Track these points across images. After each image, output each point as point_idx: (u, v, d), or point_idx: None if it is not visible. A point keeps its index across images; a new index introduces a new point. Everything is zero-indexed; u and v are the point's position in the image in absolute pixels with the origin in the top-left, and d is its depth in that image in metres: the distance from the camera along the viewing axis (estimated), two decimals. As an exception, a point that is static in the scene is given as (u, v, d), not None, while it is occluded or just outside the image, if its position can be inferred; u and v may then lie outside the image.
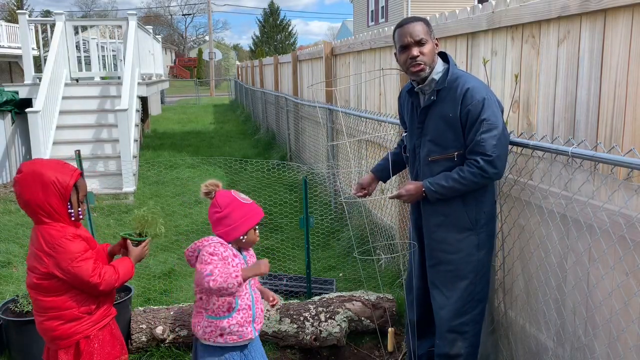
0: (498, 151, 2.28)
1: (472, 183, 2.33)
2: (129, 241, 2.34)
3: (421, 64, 2.38)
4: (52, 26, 9.42)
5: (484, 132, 2.28)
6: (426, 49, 2.38)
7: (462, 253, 2.46)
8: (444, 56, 2.49)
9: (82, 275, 2.08)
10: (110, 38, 10.80)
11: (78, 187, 2.16)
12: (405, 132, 2.72)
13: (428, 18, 3.56)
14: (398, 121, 3.08)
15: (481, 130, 2.28)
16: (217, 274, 2.14)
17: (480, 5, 2.91)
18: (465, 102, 2.31)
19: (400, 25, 2.43)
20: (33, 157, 7.27)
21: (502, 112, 2.40)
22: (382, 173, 2.85)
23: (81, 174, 2.20)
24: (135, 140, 8.53)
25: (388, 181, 2.99)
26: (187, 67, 53.49)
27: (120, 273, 2.20)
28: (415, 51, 2.37)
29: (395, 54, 2.50)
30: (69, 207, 2.13)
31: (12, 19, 31.05)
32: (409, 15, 2.98)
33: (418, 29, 2.37)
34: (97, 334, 2.22)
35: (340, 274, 4.46)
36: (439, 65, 2.44)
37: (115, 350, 2.30)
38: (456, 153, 2.39)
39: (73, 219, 2.15)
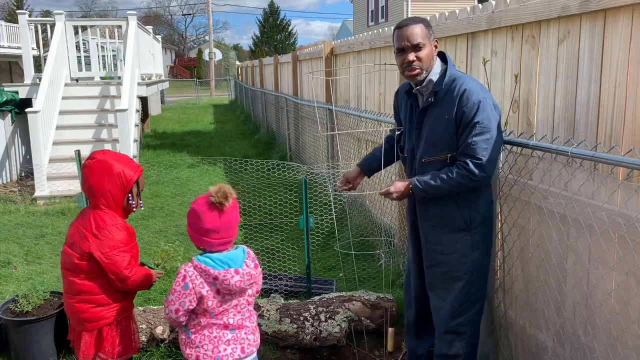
0: (488, 155, 2.27)
1: (459, 184, 2.33)
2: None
3: (416, 69, 2.38)
4: (52, 26, 9.42)
5: (476, 135, 2.27)
6: (423, 53, 2.36)
7: (457, 254, 2.46)
8: (443, 56, 2.48)
9: (118, 265, 2.22)
10: (110, 38, 10.79)
11: (139, 182, 2.34)
12: (399, 129, 2.73)
13: (428, 18, 3.56)
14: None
15: (473, 133, 2.28)
16: None
17: (480, 5, 2.91)
18: (461, 103, 2.31)
19: (399, 26, 2.42)
20: (33, 158, 7.27)
21: (500, 116, 2.39)
22: (368, 168, 2.85)
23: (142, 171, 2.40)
24: (135, 140, 8.53)
25: (388, 180, 2.99)
26: (187, 67, 53.50)
27: (144, 279, 2.35)
28: (411, 56, 2.37)
29: (394, 52, 2.50)
30: (130, 198, 2.30)
31: (12, 19, 31.06)
32: (409, 15, 2.97)
33: (416, 32, 2.35)
34: (121, 321, 2.36)
35: (340, 274, 4.46)
36: (437, 66, 2.43)
37: (135, 339, 2.45)
38: (449, 155, 2.38)
39: (135, 208, 2.33)
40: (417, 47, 2.36)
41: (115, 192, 2.25)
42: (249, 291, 2.16)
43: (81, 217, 2.33)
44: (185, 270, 2.06)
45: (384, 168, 2.89)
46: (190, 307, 2.07)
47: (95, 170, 2.24)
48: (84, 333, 2.32)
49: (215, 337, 2.10)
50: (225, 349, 2.10)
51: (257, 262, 2.16)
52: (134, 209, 2.34)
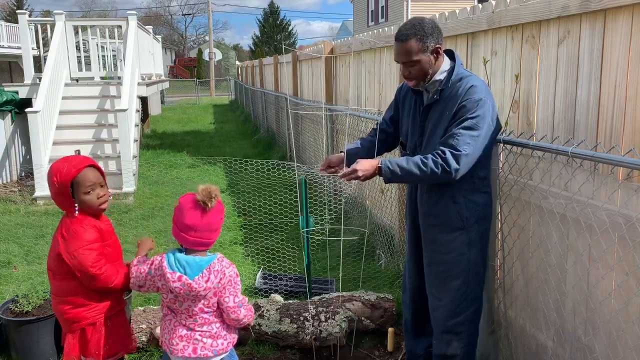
0: (469, 150, 2.23)
1: (431, 173, 2.24)
2: None
3: (412, 81, 2.42)
4: (52, 26, 9.41)
5: (465, 129, 2.24)
6: (415, 69, 2.37)
7: (454, 253, 2.45)
8: (452, 53, 2.48)
9: (83, 262, 2.18)
10: (110, 38, 10.79)
11: (77, 182, 2.20)
12: (389, 116, 2.77)
13: (429, 18, 3.55)
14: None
15: (463, 125, 2.25)
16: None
17: (480, 5, 2.91)
18: (463, 98, 2.30)
19: (395, 37, 2.41)
20: (33, 158, 7.28)
21: (496, 127, 2.36)
22: (353, 157, 2.73)
23: (89, 166, 2.24)
24: (135, 140, 8.53)
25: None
26: (187, 67, 53.49)
27: (119, 277, 2.27)
28: (405, 71, 2.41)
29: None
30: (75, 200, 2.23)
31: (12, 19, 31.06)
32: (409, 16, 2.95)
33: (407, 50, 2.35)
34: (105, 321, 2.31)
35: (341, 274, 4.45)
36: (445, 65, 2.42)
37: (126, 339, 2.41)
38: None
39: (76, 214, 2.23)
40: (407, 64, 2.38)
41: (60, 200, 2.22)
42: (203, 301, 2.10)
43: (59, 223, 2.35)
44: (156, 257, 2.15)
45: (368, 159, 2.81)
46: (151, 288, 2.18)
47: (48, 184, 2.26)
48: (67, 334, 2.30)
49: (171, 329, 2.16)
50: (177, 343, 2.13)
51: (217, 275, 2.07)
52: (76, 210, 2.22)
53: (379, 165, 2.33)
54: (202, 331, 2.14)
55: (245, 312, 2.17)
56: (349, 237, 5.09)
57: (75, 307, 2.27)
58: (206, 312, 2.13)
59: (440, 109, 2.40)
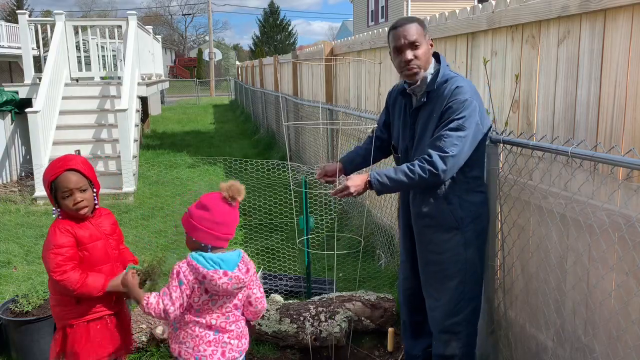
0: (456, 151, 2.23)
1: (419, 178, 2.25)
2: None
3: (414, 68, 2.38)
4: (52, 26, 9.42)
5: (451, 130, 2.25)
6: (420, 51, 2.36)
7: (449, 253, 2.45)
8: (437, 57, 2.48)
9: (49, 266, 2.20)
10: (110, 38, 10.79)
11: (55, 185, 2.21)
12: (382, 121, 2.75)
13: (428, 18, 3.56)
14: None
15: (449, 127, 2.25)
16: None
17: (480, 5, 2.91)
18: (449, 99, 2.30)
19: (394, 26, 2.41)
20: (33, 158, 7.28)
21: (488, 127, 2.36)
22: (349, 165, 2.77)
23: (70, 170, 2.21)
24: (135, 140, 8.53)
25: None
26: (187, 67, 53.48)
27: (83, 284, 2.21)
28: (409, 54, 2.36)
29: (390, 53, 2.50)
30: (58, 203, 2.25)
31: (12, 19, 31.07)
32: (409, 16, 2.95)
33: (412, 31, 2.35)
34: (83, 325, 2.29)
35: (340, 274, 4.46)
36: (431, 67, 2.43)
37: (101, 348, 2.33)
38: None
39: (54, 215, 2.27)
40: (413, 45, 2.36)
41: (49, 198, 2.27)
42: (239, 295, 2.11)
43: None
44: (179, 266, 2.05)
45: (364, 167, 2.81)
46: (186, 300, 2.06)
47: None
48: (55, 330, 2.35)
49: (197, 335, 2.09)
50: (205, 350, 2.08)
51: (251, 266, 2.11)
52: (54, 212, 2.26)
53: (369, 178, 2.34)
54: (230, 332, 2.12)
55: (265, 302, 2.25)
56: (346, 240, 5.09)
57: (57, 305, 2.31)
58: (238, 308, 2.14)
59: (428, 111, 2.41)
